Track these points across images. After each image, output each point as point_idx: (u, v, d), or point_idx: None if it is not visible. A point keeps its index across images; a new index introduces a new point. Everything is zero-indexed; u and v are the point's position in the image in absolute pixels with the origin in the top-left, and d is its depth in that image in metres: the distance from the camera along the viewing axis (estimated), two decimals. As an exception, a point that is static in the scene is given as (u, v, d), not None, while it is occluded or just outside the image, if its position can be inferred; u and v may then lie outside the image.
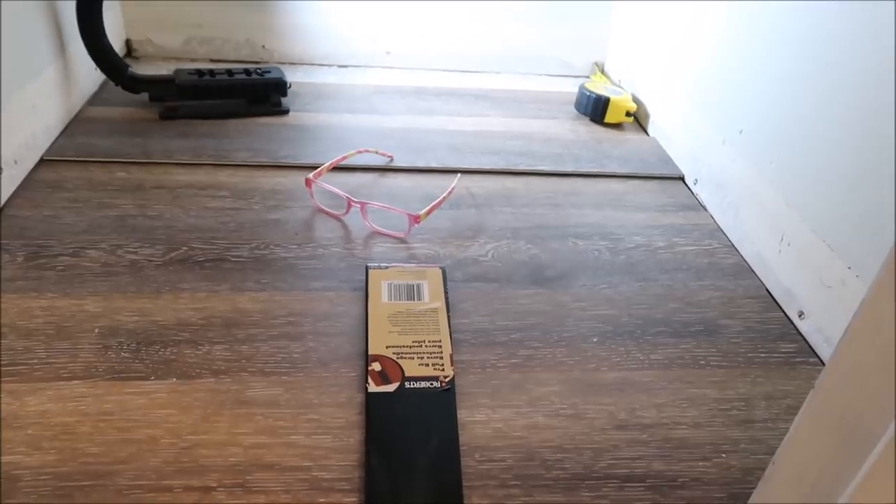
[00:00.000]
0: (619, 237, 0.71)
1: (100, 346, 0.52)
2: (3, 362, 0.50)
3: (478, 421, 0.49)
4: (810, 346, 0.59)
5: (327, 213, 0.71)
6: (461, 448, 0.47)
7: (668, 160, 0.88)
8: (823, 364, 0.57)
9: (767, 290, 0.66)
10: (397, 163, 0.82)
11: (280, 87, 0.90)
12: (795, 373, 0.56)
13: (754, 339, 0.59)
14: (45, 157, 0.75)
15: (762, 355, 0.58)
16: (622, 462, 0.47)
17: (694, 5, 0.84)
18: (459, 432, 0.48)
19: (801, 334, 0.61)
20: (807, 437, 0.36)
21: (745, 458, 0.48)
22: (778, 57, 0.67)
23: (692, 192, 0.82)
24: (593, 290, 0.63)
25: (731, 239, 0.73)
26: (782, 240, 0.65)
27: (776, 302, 0.64)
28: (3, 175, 0.66)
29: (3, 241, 0.62)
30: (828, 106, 0.59)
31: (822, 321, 0.58)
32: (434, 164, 0.82)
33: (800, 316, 0.61)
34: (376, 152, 0.82)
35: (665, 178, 0.84)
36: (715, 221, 0.76)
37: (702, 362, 0.56)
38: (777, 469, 0.39)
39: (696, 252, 0.70)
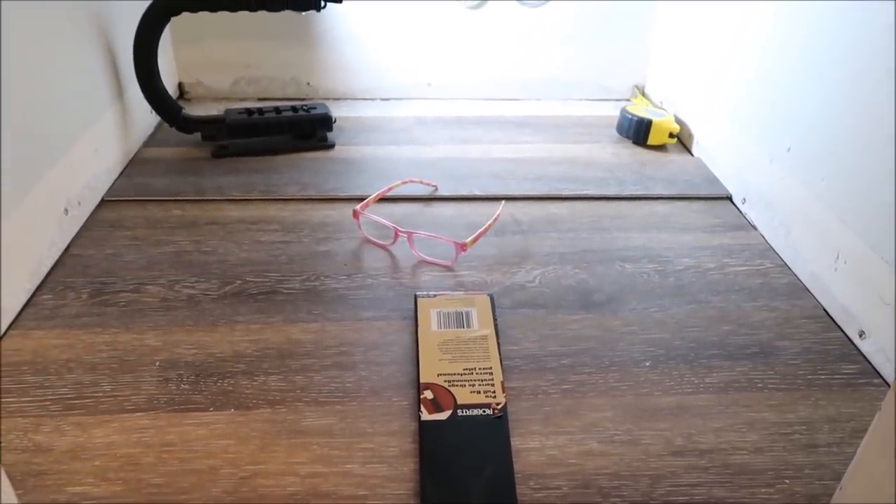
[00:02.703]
0: (668, 259, 0.71)
1: (161, 378, 0.54)
2: (71, 396, 0.52)
3: (531, 448, 0.49)
4: (873, 367, 0.57)
5: (375, 244, 0.72)
6: (515, 475, 0.46)
7: (714, 180, 0.87)
8: (888, 385, 0.55)
9: (824, 309, 0.64)
10: (441, 192, 0.83)
11: (326, 122, 0.93)
12: (859, 395, 0.55)
13: (813, 361, 0.58)
14: (105, 198, 0.79)
15: (823, 377, 0.56)
16: (681, 489, 0.46)
17: (734, 22, 0.84)
18: (513, 459, 0.47)
19: (862, 354, 0.59)
20: (875, 462, 0.35)
21: (810, 484, 0.47)
22: (824, 71, 0.66)
23: (740, 212, 0.80)
24: (643, 313, 0.63)
25: (783, 258, 0.71)
26: (838, 257, 0.63)
27: (834, 322, 0.63)
28: (67, 216, 0.70)
29: (68, 280, 0.65)
30: (878, 119, 0.58)
31: (885, 340, 0.57)
32: (477, 192, 0.83)
33: (860, 336, 0.60)
34: (420, 182, 0.83)
35: (712, 198, 0.83)
36: (766, 241, 0.75)
37: (759, 385, 0.55)
38: (845, 494, 0.38)
39: (747, 272, 0.69)
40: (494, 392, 0.52)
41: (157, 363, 0.55)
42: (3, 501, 0.34)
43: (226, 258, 0.69)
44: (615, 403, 0.53)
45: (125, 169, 0.86)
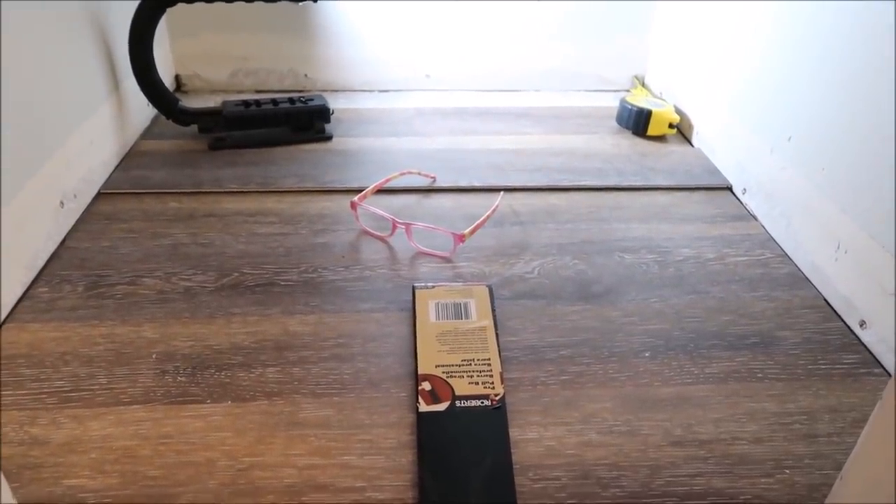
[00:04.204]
0: (667, 250, 0.70)
1: (157, 370, 0.54)
2: (67, 389, 0.52)
3: (530, 439, 0.49)
4: (874, 357, 0.57)
5: (373, 235, 0.72)
6: (514, 466, 0.46)
7: (714, 171, 0.86)
8: (889, 375, 0.55)
9: (825, 299, 0.64)
10: (440, 183, 0.82)
11: (323, 113, 0.92)
12: (860, 385, 0.54)
13: (814, 351, 0.58)
14: (101, 191, 0.78)
15: (823, 367, 0.56)
16: (681, 479, 0.46)
17: (735, 13, 0.83)
18: (512, 450, 0.47)
19: (863, 344, 0.58)
20: (876, 452, 0.34)
21: (810, 474, 0.47)
22: (824, 60, 0.66)
23: (741, 202, 0.80)
24: (643, 304, 0.62)
25: (783, 248, 0.71)
26: (838, 247, 0.63)
27: (835, 311, 0.62)
28: (63, 209, 0.69)
29: (65, 273, 0.64)
30: (878, 108, 0.58)
31: (886, 330, 0.56)
32: (476, 184, 0.82)
33: (861, 325, 0.59)
34: (419, 174, 0.83)
35: (712, 188, 0.83)
36: (766, 231, 0.74)
37: (759, 375, 0.55)
38: (845, 485, 0.37)
39: (747, 263, 0.69)
40: (493, 383, 0.52)
41: (154, 356, 0.55)
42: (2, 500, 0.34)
43: (223, 250, 0.68)
44: (614, 394, 0.53)
45: (121, 161, 0.85)
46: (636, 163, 0.88)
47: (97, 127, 0.78)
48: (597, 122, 1.00)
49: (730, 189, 0.83)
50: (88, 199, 0.76)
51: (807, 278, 0.67)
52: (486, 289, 0.62)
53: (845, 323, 0.61)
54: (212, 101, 1.02)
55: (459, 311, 0.59)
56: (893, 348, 0.55)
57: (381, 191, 0.79)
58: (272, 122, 0.91)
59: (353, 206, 0.72)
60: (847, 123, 0.62)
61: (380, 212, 0.71)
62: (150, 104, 0.89)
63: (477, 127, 0.98)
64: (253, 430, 0.49)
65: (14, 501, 0.37)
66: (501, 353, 0.55)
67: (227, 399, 0.51)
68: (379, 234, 0.72)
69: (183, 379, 0.53)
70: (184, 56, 1.06)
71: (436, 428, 0.48)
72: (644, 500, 0.44)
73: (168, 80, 1.03)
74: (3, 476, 0.35)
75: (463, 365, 0.53)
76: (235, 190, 0.79)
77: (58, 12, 0.70)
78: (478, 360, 0.54)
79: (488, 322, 0.58)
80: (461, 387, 0.51)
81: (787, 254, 0.70)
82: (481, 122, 0.99)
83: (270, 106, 0.91)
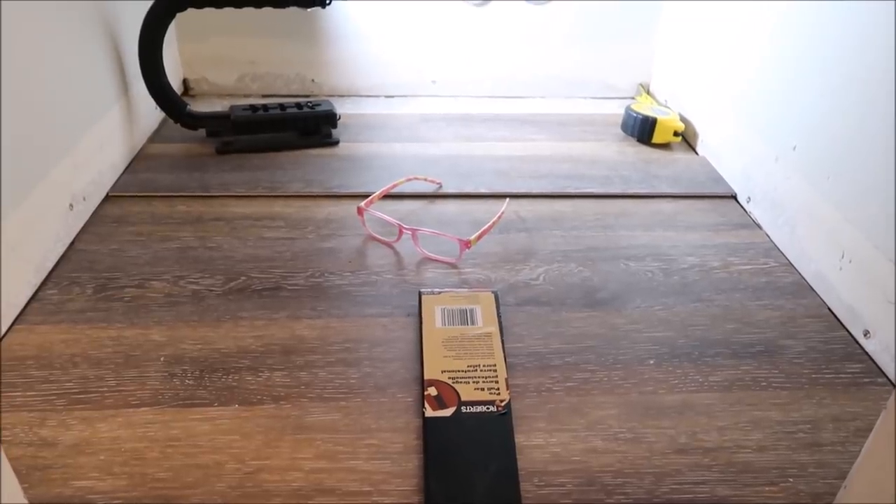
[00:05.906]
0: (672, 258, 0.71)
1: (165, 373, 0.54)
2: (76, 390, 0.52)
3: (535, 445, 0.49)
4: (878, 367, 0.57)
5: (379, 241, 0.72)
6: (519, 472, 0.46)
7: (718, 179, 0.87)
8: (893, 384, 0.55)
9: (829, 308, 0.64)
10: (446, 189, 0.83)
11: (330, 119, 0.93)
12: (863, 394, 0.55)
13: (818, 360, 0.58)
14: (110, 194, 0.79)
15: (827, 376, 0.56)
16: (685, 487, 0.46)
17: (740, 21, 0.84)
18: (517, 456, 0.47)
19: (867, 354, 0.59)
20: (880, 461, 0.35)
21: (813, 483, 0.47)
22: (829, 69, 0.66)
23: (745, 211, 0.80)
24: (647, 311, 0.63)
25: (788, 257, 0.71)
26: (843, 256, 0.63)
27: (839, 321, 0.63)
28: (72, 211, 0.70)
29: (73, 275, 0.65)
30: (884, 116, 0.58)
31: (890, 340, 0.56)
32: (482, 190, 0.83)
33: (865, 335, 0.59)
34: (425, 179, 0.83)
35: (717, 196, 0.83)
36: (770, 239, 0.74)
37: (763, 384, 0.55)
38: (849, 493, 0.38)
39: (752, 271, 0.69)
40: (498, 389, 0.52)
41: (162, 358, 0.55)
42: (8, 502, 0.34)
43: (230, 254, 0.69)
44: (619, 401, 0.53)
45: (130, 164, 0.86)
46: (641, 170, 0.89)
47: (107, 130, 0.79)
48: (602, 129, 1.01)
49: (734, 197, 0.83)
50: (97, 202, 0.76)
51: (811, 287, 0.67)
52: (492, 295, 0.62)
53: (849, 332, 0.61)
54: (219, 106, 1.03)
55: (465, 317, 0.59)
56: (897, 358, 0.55)
57: (387, 196, 0.79)
58: (279, 127, 0.92)
59: (360, 211, 0.73)
60: (852, 132, 0.63)
61: (386, 217, 0.71)
62: (159, 108, 0.89)
63: (482, 133, 0.98)
64: (260, 433, 0.49)
65: (25, 502, 0.38)
66: (507, 360, 0.56)
67: (234, 402, 0.52)
68: (385, 239, 0.72)
69: (191, 382, 0.53)
70: (192, 60, 1.07)
71: (442, 433, 0.49)
72: (648, 507, 0.45)
73: (176, 84, 1.04)
74: (12, 475, 0.35)
75: (469, 371, 0.53)
76: (243, 194, 0.80)
77: (69, 16, 0.70)
78: (483, 366, 0.54)
79: (494, 328, 0.58)
80: (467, 392, 0.51)
81: (791, 262, 0.70)
82: (487, 129, 1.00)
83: (278, 110, 0.91)
